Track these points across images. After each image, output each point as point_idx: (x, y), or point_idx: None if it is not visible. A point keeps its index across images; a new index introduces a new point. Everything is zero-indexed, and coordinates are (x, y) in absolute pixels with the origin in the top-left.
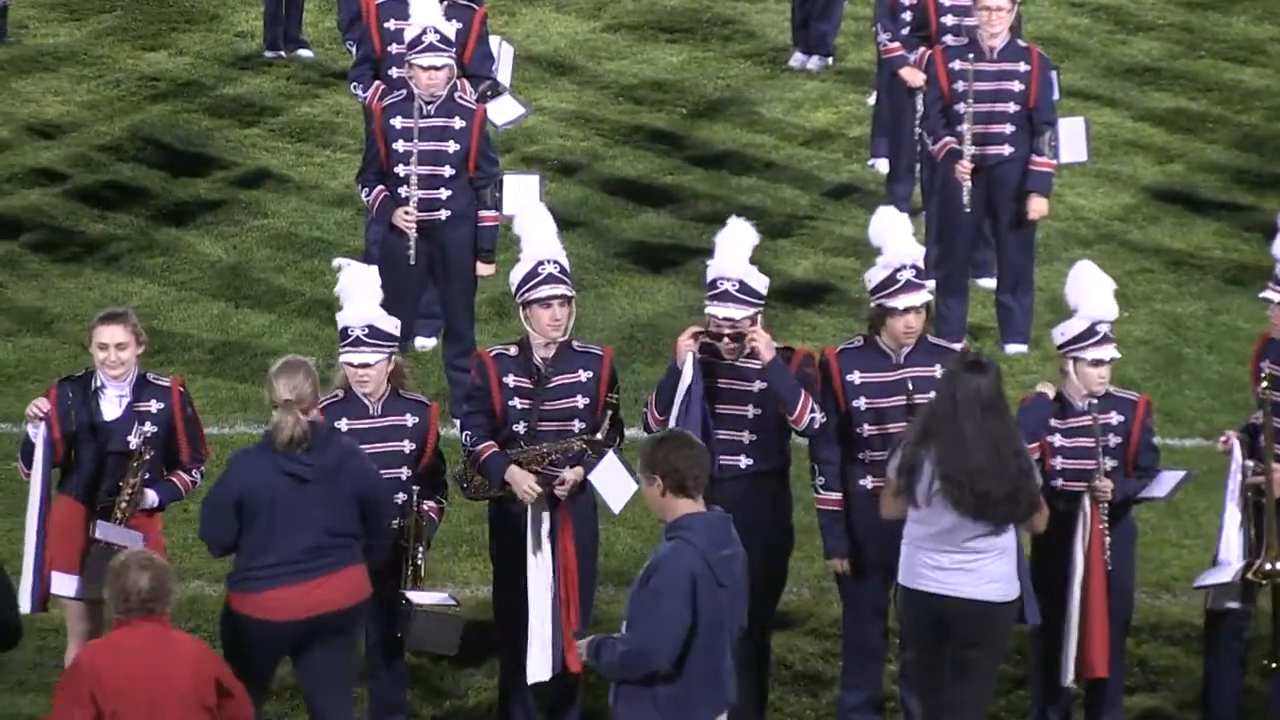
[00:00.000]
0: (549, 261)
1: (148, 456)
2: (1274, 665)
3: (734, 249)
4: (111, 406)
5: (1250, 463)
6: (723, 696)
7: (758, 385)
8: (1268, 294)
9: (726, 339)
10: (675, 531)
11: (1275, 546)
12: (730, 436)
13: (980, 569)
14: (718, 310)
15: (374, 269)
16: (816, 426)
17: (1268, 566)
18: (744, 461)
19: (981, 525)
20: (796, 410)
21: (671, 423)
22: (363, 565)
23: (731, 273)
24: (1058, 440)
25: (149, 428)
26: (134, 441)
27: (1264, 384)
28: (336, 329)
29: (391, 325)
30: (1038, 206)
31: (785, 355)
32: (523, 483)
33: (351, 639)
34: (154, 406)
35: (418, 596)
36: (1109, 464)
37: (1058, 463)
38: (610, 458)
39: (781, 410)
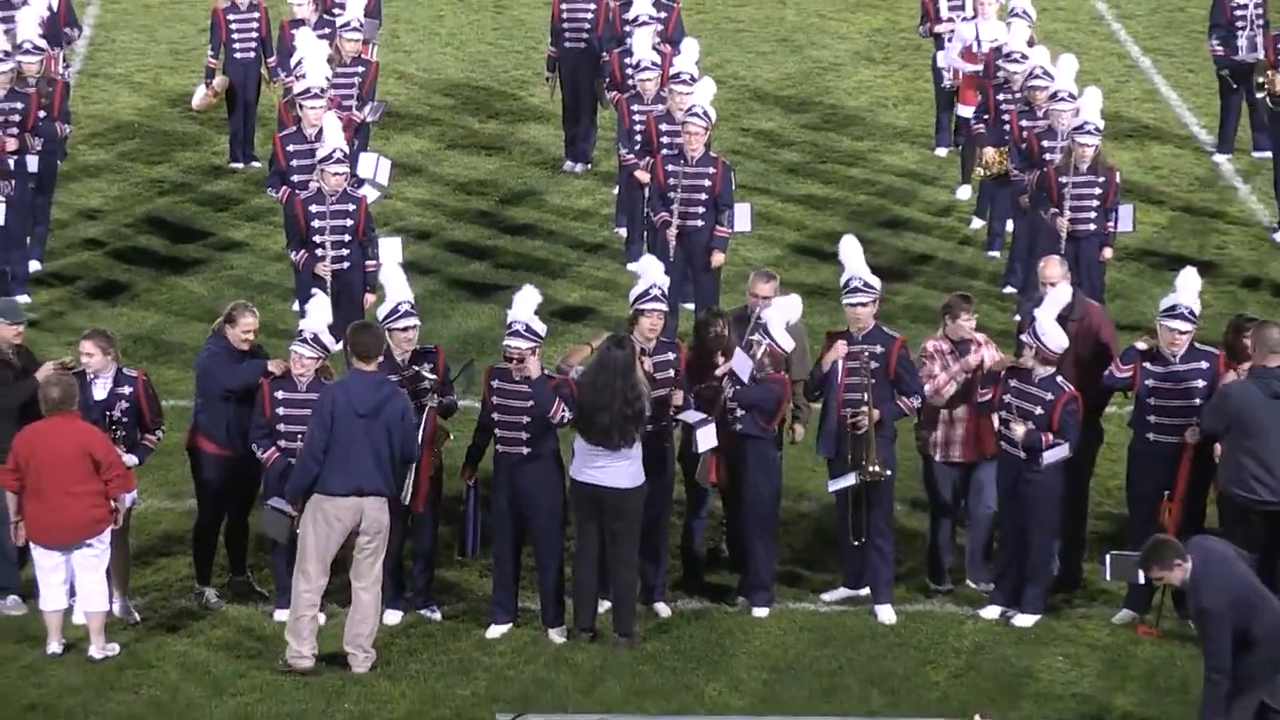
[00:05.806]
0: (405, 303)
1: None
2: (856, 543)
3: (523, 304)
4: (98, 390)
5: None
6: (354, 480)
7: (530, 402)
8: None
9: (515, 361)
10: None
11: (872, 458)
12: (513, 435)
13: (618, 467)
14: (510, 341)
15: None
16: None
17: (871, 469)
18: (524, 450)
19: (600, 446)
20: (550, 411)
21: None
22: None
23: (520, 318)
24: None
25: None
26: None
27: (866, 353)
28: (288, 336)
29: (330, 341)
30: (717, 259)
31: (547, 381)
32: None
33: None
34: (126, 390)
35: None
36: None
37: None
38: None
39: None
